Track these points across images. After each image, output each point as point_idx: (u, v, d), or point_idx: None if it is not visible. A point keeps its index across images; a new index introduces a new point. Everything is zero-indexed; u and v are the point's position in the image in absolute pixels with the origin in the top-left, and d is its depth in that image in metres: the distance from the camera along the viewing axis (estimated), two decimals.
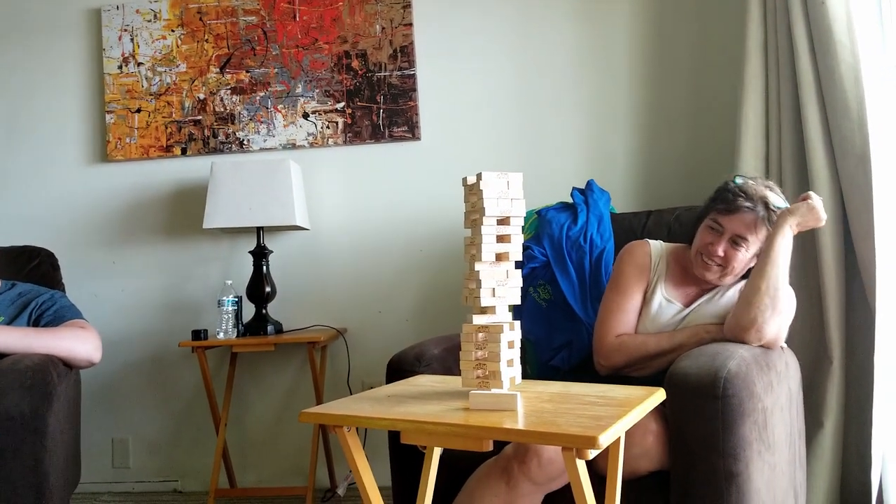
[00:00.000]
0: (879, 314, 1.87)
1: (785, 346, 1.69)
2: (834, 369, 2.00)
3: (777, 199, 1.68)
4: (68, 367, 1.98)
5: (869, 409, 1.90)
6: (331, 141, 2.71)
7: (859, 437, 1.98)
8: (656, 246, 1.86)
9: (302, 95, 2.72)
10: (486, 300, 1.15)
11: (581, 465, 1.01)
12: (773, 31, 2.15)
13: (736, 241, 1.67)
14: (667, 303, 1.76)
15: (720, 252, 1.67)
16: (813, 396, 2.02)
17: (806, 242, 2.09)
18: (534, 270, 2.12)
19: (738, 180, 1.72)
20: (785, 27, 2.10)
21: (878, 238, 1.87)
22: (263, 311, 2.55)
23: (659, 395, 1.23)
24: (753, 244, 1.67)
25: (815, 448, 2.01)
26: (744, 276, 1.72)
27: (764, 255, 1.61)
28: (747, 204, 1.65)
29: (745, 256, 1.67)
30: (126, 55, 2.81)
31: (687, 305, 1.75)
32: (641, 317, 1.77)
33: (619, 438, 1.18)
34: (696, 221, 1.79)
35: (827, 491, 2.01)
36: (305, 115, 2.72)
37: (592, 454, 0.97)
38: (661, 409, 1.33)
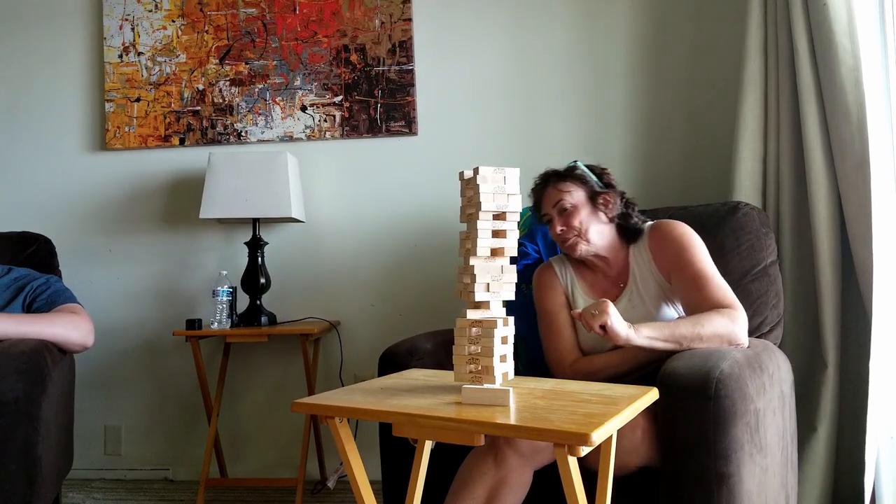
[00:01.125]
0: (875, 319, 1.87)
1: (776, 347, 1.70)
2: (829, 374, 2.00)
3: (565, 166, 1.81)
4: (62, 352, 1.98)
5: (863, 415, 1.89)
6: (328, 134, 2.70)
7: (853, 443, 1.98)
8: (558, 260, 1.91)
9: (300, 88, 2.71)
10: (480, 295, 1.14)
11: (573, 462, 1.01)
12: (773, 32, 2.15)
13: (561, 209, 1.76)
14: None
15: (560, 228, 1.77)
16: (807, 400, 2.02)
17: (803, 246, 2.09)
18: (527, 267, 2.11)
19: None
20: (785, 28, 2.10)
21: (875, 242, 1.86)
22: (258, 302, 2.54)
23: (652, 395, 1.23)
24: (574, 196, 1.76)
25: (809, 452, 2.01)
26: (627, 241, 1.81)
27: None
28: (538, 185, 1.83)
29: (579, 211, 1.75)
30: (126, 44, 2.80)
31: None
32: (580, 328, 1.77)
33: (611, 437, 1.18)
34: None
35: (819, 496, 2.01)
36: (303, 108, 2.71)
37: (585, 451, 0.97)
38: (650, 406, 1.33)
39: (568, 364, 1.74)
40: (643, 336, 1.51)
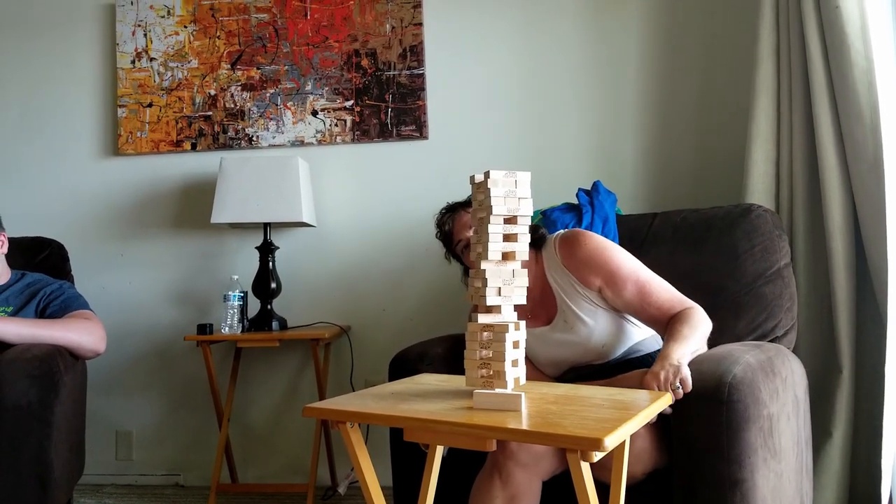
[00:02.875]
0: (891, 322, 1.84)
1: (789, 351, 1.68)
2: (844, 378, 1.98)
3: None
4: (75, 357, 1.99)
5: (879, 420, 1.87)
6: (339, 139, 2.71)
7: (869, 448, 1.96)
8: None
9: (311, 93, 2.72)
10: (491, 299, 1.14)
11: (585, 468, 1.00)
12: (785, 34, 2.13)
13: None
14: (532, 333, 1.67)
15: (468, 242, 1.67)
16: (822, 405, 2.00)
17: (816, 249, 2.07)
18: None
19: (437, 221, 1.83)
20: (798, 30, 2.08)
21: (890, 245, 1.84)
22: (269, 306, 2.55)
23: (665, 399, 1.22)
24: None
25: (824, 458, 1.98)
26: (534, 244, 1.67)
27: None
28: (446, 216, 1.80)
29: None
30: (139, 50, 2.82)
31: (546, 324, 1.69)
32: (531, 352, 1.69)
33: (623, 442, 1.17)
34: (464, 268, 1.80)
35: (834, 502, 1.98)
36: (314, 113, 2.72)
37: (598, 456, 0.96)
38: None
39: None
40: (686, 363, 1.40)
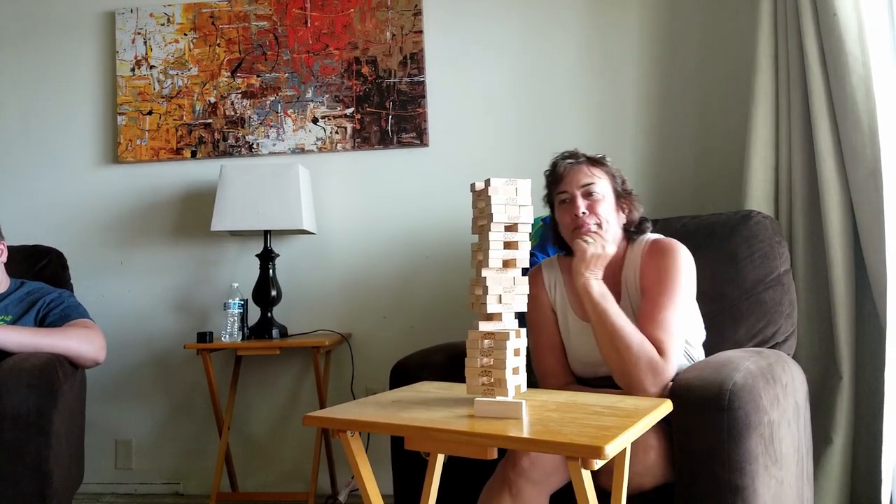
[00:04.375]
0: (890, 328, 1.85)
1: (789, 358, 1.68)
2: (843, 385, 1.98)
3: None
4: (74, 366, 1.99)
5: (879, 426, 1.87)
6: (339, 146, 2.71)
7: (869, 455, 1.96)
8: (546, 263, 1.80)
9: (312, 100, 2.73)
10: (492, 307, 1.14)
11: (586, 476, 1.00)
12: (783, 42, 2.15)
13: (587, 193, 1.62)
14: (579, 322, 1.67)
15: (583, 209, 1.60)
16: (822, 412, 2.00)
17: (816, 256, 2.07)
18: None
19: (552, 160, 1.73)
20: (796, 37, 2.09)
21: (888, 251, 1.84)
22: (269, 314, 2.55)
23: (666, 407, 1.22)
24: (602, 184, 1.64)
25: (824, 464, 1.98)
26: (629, 240, 1.69)
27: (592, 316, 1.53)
28: (569, 160, 1.67)
29: (605, 200, 1.63)
30: (139, 58, 2.83)
31: None
32: (566, 342, 1.70)
33: (624, 450, 1.17)
34: (552, 220, 1.75)
35: None
36: (315, 120, 2.73)
37: (598, 464, 0.96)
38: (661, 424, 1.31)
39: (555, 387, 1.67)
40: (599, 283, 1.52)
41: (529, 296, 1.72)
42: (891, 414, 1.86)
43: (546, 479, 1.38)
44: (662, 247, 1.63)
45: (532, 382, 2.00)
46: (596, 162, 1.67)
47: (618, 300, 1.57)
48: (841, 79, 1.94)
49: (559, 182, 1.67)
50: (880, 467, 1.86)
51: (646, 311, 1.55)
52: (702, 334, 1.71)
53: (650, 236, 1.70)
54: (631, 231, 1.69)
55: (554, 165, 1.70)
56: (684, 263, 1.60)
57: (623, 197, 1.68)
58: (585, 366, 1.67)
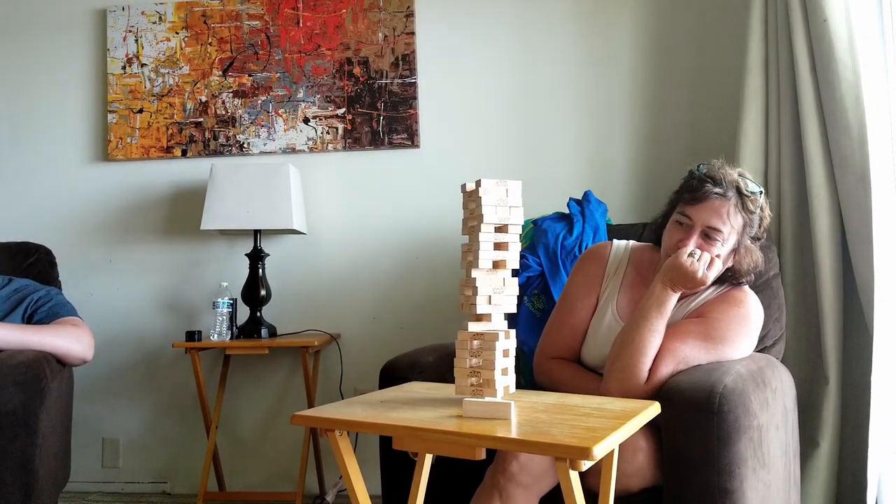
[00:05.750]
0: (877, 333, 1.86)
1: (778, 362, 1.68)
2: (830, 388, 1.99)
3: (751, 185, 1.53)
4: (61, 364, 1.97)
5: (865, 430, 1.88)
6: (330, 146, 2.71)
7: (855, 458, 1.97)
8: (619, 247, 1.73)
9: (303, 100, 2.72)
10: (482, 307, 1.14)
11: (574, 477, 1.00)
12: (773, 48, 2.16)
13: (708, 234, 1.50)
14: (616, 323, 1.64)
15: (693, 248, 1.49)
16: (809, 415, 2.01)
17: (805, 260, 2.09)
18: (529, 279, 2.11)
19: (704, 168, 1.56)
20: (786, 43, 2.11)
21: (876, 257, 1.86)
22: (258, 314, 2.54)
23: (654, 409, 1.22)
24: (730, 235, 1.50)
25: (811, 468, 1.99)
26: (718, 281, 1.58)
27: (637, 309, 1.51)
28: (717, 190, 1.49)
29: (721, 251, 1.51)
30: (130, 56, 2.81)
31: None
32: (590, 331, 1.68)
33: (612, 451, 1.17)
34: (663, 219, 1.62)
35: None
36: (306, 120, 2.72)
37: (586, 465, 0.96)
38: (650, 427, 1.32)
39: (548, 357, 1.68)
40: (672, 300, 1.48)
41: (586, 272, 1.67)
42: (876, 418, 1.88)
43: (535, 482, 1.38)
44: (735, 300, 1.56)
45: (528, 370, 2.01)
46: (743, 206, 1.51)
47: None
48: (830, 85, 1.95)
49: (690, 204, 1.52)
50: (866, 471, 1.88)
51: (682, 334, 1.51)
52: None
53: (728, 287, 1.61)
54: (728, 276, 1.58)
55: (700, 183, 1.53)
56: (744, 317, 1.54)
57: (745, 247, 1.54)
58: (595, 359, 1.66)
